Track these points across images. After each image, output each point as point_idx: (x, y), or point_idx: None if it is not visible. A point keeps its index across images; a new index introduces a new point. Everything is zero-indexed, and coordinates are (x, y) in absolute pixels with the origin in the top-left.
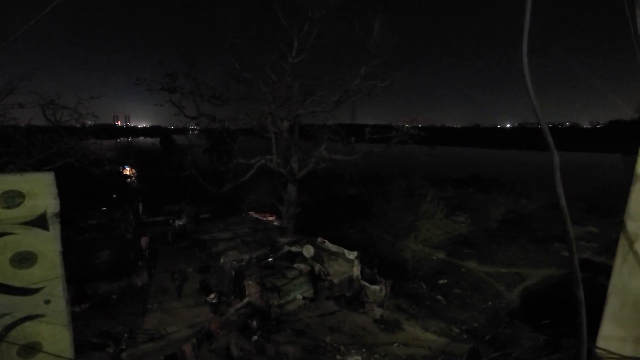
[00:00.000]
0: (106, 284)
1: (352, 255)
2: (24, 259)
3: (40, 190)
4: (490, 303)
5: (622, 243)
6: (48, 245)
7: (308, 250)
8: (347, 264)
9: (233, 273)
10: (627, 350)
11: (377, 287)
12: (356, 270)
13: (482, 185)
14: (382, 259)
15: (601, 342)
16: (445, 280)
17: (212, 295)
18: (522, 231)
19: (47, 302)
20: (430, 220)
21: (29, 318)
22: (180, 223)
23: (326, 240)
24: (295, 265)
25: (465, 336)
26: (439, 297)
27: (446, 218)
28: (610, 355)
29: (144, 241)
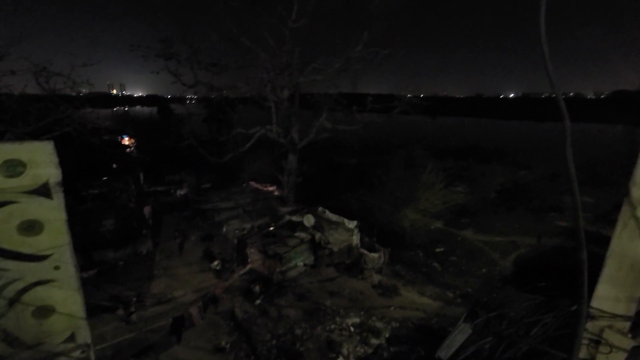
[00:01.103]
0: (112, 251)
1: (351, 224)
2: (31, 227)
3: (41, 159)
4: (484, 270)
5: (625, 209)
6: (53, 213)
7: (308, 220)
8: (347, 232)
9: (235, 241)
10: (620, 309)
11: (375, 255)
12: (356, 239)
13: (482, 156)
14: (381, 228)
15: (595, 302)
16: (442, 249)
17: (216, 262)
18: (520, 201)
19: (57, 268)
20: (430, 191)
21: (40, 283)
22: (182, 193)
23: (326, 210)
24: (296, 234)
25: (459, 300)
26: (435, 264)
27: (445, 188)
28: (603, 314)
29: (146, 210)
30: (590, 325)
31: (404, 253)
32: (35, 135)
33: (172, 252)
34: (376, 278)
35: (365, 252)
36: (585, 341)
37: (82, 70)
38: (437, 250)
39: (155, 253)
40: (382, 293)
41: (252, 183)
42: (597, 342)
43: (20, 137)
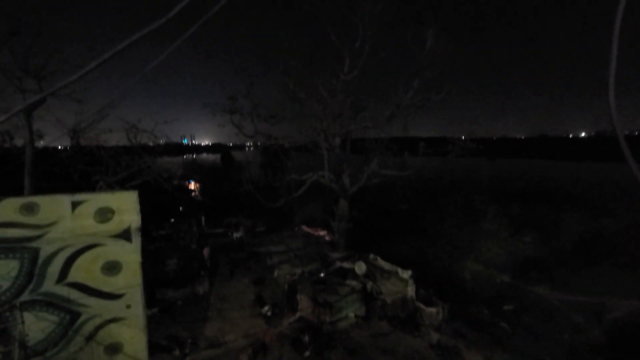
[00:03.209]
0: (173, 290)
1: (406, 274)
2: (112, 268)
3: (127, 207)
4: (566, 336)
5: None
6: (131, 256)
7: (360, 267)
8: (400, 283)
9: (286, 286)
10: None
11: (433, 310)
12: (410, 290)
13: (553, 201)
14: (438, 280)
15: None
16: (511, 307)
17: (266, 308)
18: (604, 254)
19: (128, 306)
20: (492, 239)
21: (114, 320)
22: (238, 235)
23: (378, 257)
24: (347, 281)
25: None
26: (503, 324)
27: (510, 237)
28: None
29: (205, 251)
30: None
31: (466, 309)
32: (122, 183)
33: (225, 295)
34: (434, 336)
35: (422, 306)
36: None
37: (162, 127)
38: (506, 307)
39: (210, 294)
40: (442, 354)
41: (304, 227)
42: None
43: (110, 185)
